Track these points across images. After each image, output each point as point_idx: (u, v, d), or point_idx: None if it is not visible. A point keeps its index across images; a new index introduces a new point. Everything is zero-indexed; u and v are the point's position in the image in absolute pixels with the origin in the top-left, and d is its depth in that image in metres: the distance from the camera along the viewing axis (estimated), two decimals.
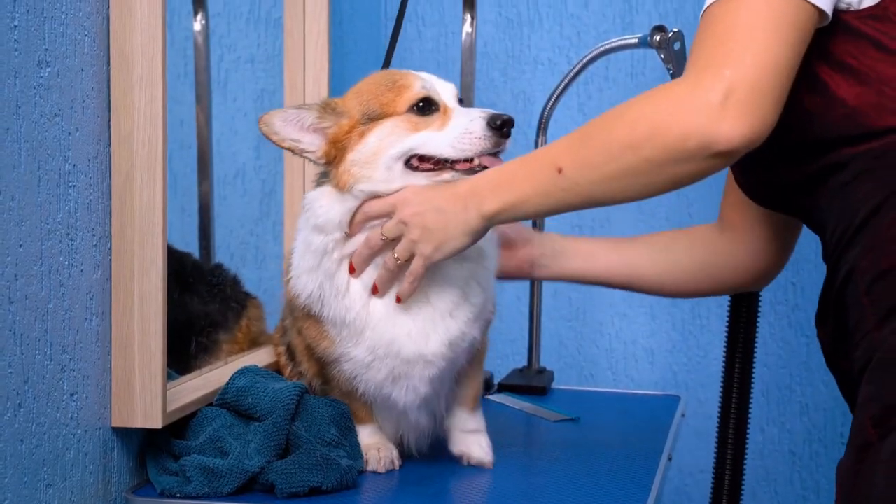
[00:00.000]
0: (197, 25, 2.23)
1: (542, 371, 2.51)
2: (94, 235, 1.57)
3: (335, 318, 1.70)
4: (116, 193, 1.60)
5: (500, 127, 1.64)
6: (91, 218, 1.57)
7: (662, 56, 2.18)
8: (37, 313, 1.45)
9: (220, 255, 2.29)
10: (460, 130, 1.65)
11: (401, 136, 1.67)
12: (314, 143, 1.70)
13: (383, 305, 1.69)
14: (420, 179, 1.66)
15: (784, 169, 1.61)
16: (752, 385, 2.32)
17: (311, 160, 1.72)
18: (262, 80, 2.43)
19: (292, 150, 1.71)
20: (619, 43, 2.35)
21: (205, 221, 2.26)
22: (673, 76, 2.18)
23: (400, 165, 1.66)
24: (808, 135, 1.53)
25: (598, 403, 2.36)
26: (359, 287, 1.70)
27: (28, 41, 1.42)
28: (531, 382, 2.42)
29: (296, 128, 1.70)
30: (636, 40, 2.28)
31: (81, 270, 1.55)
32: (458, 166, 1.66)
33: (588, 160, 1.50)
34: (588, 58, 2.41)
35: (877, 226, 1.49)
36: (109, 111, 1.59)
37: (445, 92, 1.71)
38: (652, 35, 2.19)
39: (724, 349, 2.33)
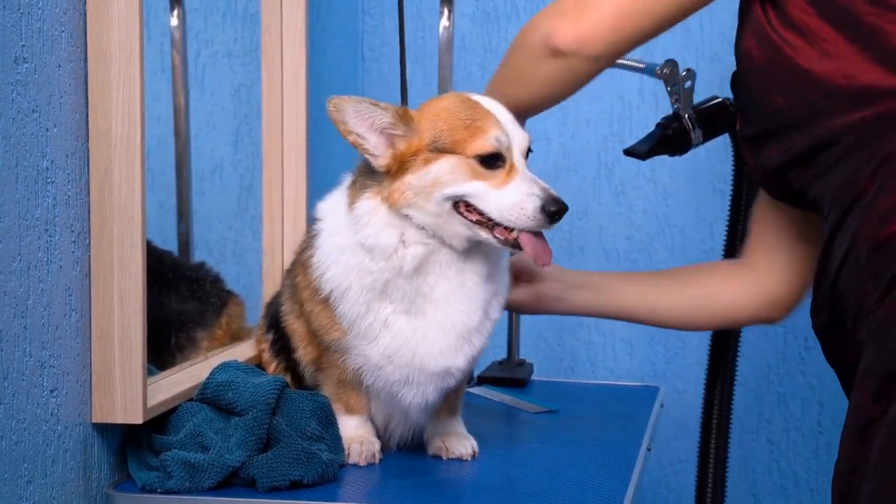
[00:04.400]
0: (174, 20, 2.23)
1: (521, 363, 2.52)
2: (72, 231, 1.57)
3: (352, 320, 1.70)
4: (95, 189, 1.59)
5: (552, 215, 1.61)
6: (70, 214, 1.56)
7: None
8: (16, 309, 1.45)
9: (199, 251, 2.28)
10: (514, 200, 1.62)
11: (459, 178, 1.64)
12: (378, 147, 1.66)
13: (406, 321, 1.69)
14: (460, 226, 1.65)
15: (780, 147, 1.58)
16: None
17: (370, 161, 1.67)
18: (239, 75, 2.43)
19: (353, 145, 1.67)
20: None
21: (183, 217, 2.26)
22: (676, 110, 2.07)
23: (449, 205, 1.64)
24: (800, 100, 1.51)
25: (577, 395, 2.37)
26: (388, 309, 1.69)
27: (4, 37, 1.42)
28: (511, 374, 2.43)
29: (366, 124, 1.66)
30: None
31: (60, 266, 1.54)
32: (496, 231, 1.64)
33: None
34: None
35: (875, 196, 1.44)
36: (87, 107, 1.58)
37: (517, 145, 1.66)
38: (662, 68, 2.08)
39: (710, 339, 2.34)
